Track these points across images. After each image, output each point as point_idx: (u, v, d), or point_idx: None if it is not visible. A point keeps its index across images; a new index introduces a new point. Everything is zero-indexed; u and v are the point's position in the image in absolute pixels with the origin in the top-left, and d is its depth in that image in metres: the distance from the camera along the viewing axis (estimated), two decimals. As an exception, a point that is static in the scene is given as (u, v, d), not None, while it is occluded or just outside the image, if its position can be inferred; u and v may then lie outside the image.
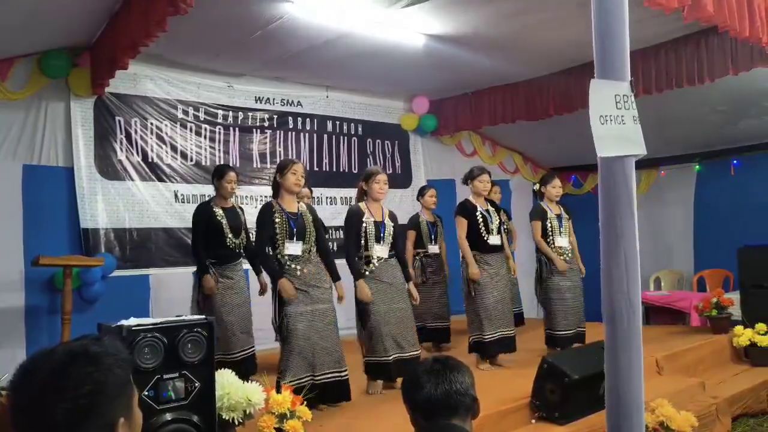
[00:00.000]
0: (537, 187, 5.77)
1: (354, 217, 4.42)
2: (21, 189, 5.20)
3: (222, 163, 6.31)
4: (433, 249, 5.97)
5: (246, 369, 4.40)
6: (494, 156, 8.91)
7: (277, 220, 3.96)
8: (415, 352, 4.40)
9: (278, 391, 3.19)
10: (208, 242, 4.68)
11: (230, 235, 4.72)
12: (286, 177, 4.04)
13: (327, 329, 3.96)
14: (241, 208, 5.00)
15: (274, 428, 3.03)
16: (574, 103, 6.29)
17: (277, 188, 4.13)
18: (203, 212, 4.74)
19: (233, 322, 4.58)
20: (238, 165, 6.48)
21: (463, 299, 5.07)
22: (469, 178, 5.15)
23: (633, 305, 1.53)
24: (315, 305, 3.92)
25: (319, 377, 3.87)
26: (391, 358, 4.30)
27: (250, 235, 4.96)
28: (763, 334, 5.58)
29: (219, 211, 4.73)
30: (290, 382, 3.69)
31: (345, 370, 4.00)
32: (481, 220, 5.00)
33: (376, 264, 4.37)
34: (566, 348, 5.20)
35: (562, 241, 5.43)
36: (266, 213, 4.00)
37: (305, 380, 3.80)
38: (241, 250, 4.83)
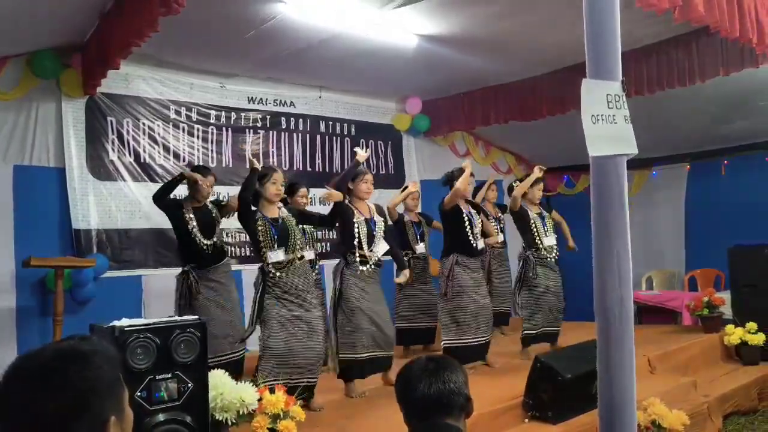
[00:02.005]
0: (516, 184, 5.67)
1: (348, 212, 4.38)
2: (12, 190, 5.16)
3: (215, 164, 6.32)
4: (420, 249, 5.87)
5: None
6: (487, 156, 8.94)
7: (260, 226, 3.93)
8: (390, 353, 4.40)
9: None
10: (181, 244, 4.64)
11: (200, 237, 4.59)
12: (266, 187, 4.02)
13: (311, 337, 3.92)
14: (214, 203, 4.87)
15: (268, 428, 3.02)
16: (567, 103, 6.31)
17: (256, 196, 4.06)
18: (173, 212, 4.62)
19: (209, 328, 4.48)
20: (230, 165, 6.47)
21: (440, 300, 4.95)
22: (451, 179, 5.07)
23: (625, 304, 1.54)
24: (303, 312, 3.90)
25: (295, 380, 3.82)
26: (365, 356, 4.26)
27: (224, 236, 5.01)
28: (753, 333, 5.63)
29: (188, 214, 4.60)
30: (265, 382, 3.64)
31: (316, 378, 3.98)
32: (467, 222, 4.94)
33: (371, 267, 4.35)
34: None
35: (549, 240, 5.46)
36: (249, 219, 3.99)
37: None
38: (218, 251, 4.70)
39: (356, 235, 4.33)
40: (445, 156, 8.41)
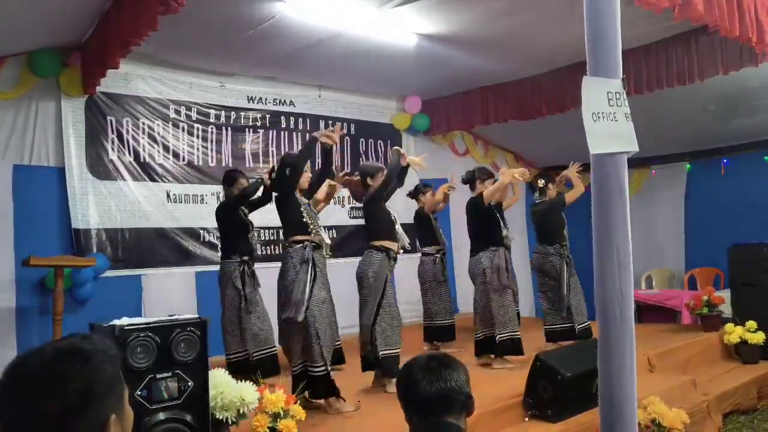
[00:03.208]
0: (542, 183, 5.77)
1: (381, 204, 4.53)
2: (12, 189, 5.16)
3: (214, 163, 6.34)
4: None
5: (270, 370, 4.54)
6: (487, 155, 8.93)
7: (303, 209, 4.14)
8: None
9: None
10: (236, 240, 4.83)
11: (251, 234, 4.93)
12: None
13: (334, 320, 4.10)
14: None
15: (268, 427, 3.02)
16: (566, 102, 6.31)
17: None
18: (229, 212, 4.86)
19: (264, 317, 4.75)
20: (230, 165, 6.47)
21: (492, 297, 4.99)
22: (478, 179, 5.22)
23: (626, 302, 1.54)
24: (329, 294, 4.06)
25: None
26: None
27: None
28: (753, 332, 5.63)
29: (245, 213, 4.93)
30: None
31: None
32: (499, 217, 5.14)
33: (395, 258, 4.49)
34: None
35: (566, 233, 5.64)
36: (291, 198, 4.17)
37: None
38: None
39: (394, 228, 4.49)
40: (444, 155, 8.41)
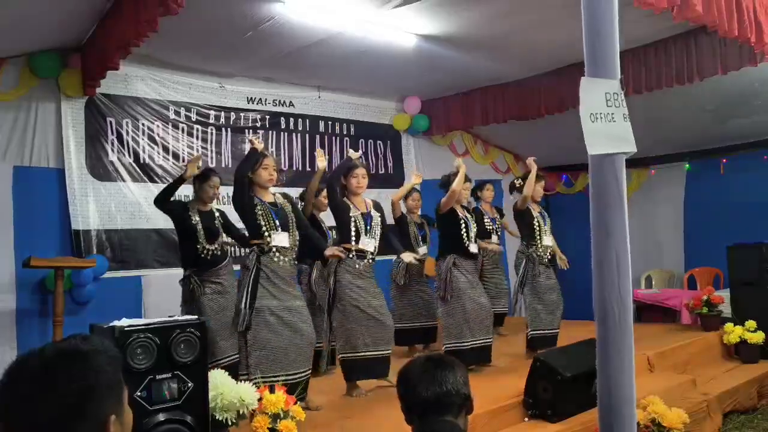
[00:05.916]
0: (519, 183, 5.61)
1: (345, 211, 4.31)
2: (11, 190, 5.16)
3: (214, 164, 6.33)
4: (422, 250, 5.79)
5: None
6: (486, 156, 8.94)
7: (258, 210, 3.81)
8: (388, 352, 4.33)
9: (272, 391, 3.17)
10: (183, 247, 4.58)
11: (203, 241, 4.51)
12: (258, 173, 3.86)
13: (304, 327, 3.83)
14: (221, 212, 4.81)
15: (268, 428, 3.02)
16: (565, 102, 6.32)
17: (249, 183, 3.89)
18: (178, 214, 4.55)
19: (215, 330, 4.37)
20: (230, 166, 6.47)
21: (439, 304, 4.93)
22: (448, 183, 5.00)
23: (624, 303, 1.54)
24: (293, 301, 3.83)
25: (291, 376, 3.71)
26: (368, 354, 4.20)
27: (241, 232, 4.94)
28: (752, 332, 5.63)
29: (195, 217, 4.53)
30: (266, 380, 3.55)
31: (309, 371, 3.88)
32: (463, 225, 4.90)
33: (368, 262, 4.30)
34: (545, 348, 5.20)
35: (548, 240, 5.41)
36: (245, 203, 3.84)
37: (280, 378, 3.65)
38: (216, 256, 4.60)
39: (352, 230, 4.26)
40: (444, 155, 8.40)
